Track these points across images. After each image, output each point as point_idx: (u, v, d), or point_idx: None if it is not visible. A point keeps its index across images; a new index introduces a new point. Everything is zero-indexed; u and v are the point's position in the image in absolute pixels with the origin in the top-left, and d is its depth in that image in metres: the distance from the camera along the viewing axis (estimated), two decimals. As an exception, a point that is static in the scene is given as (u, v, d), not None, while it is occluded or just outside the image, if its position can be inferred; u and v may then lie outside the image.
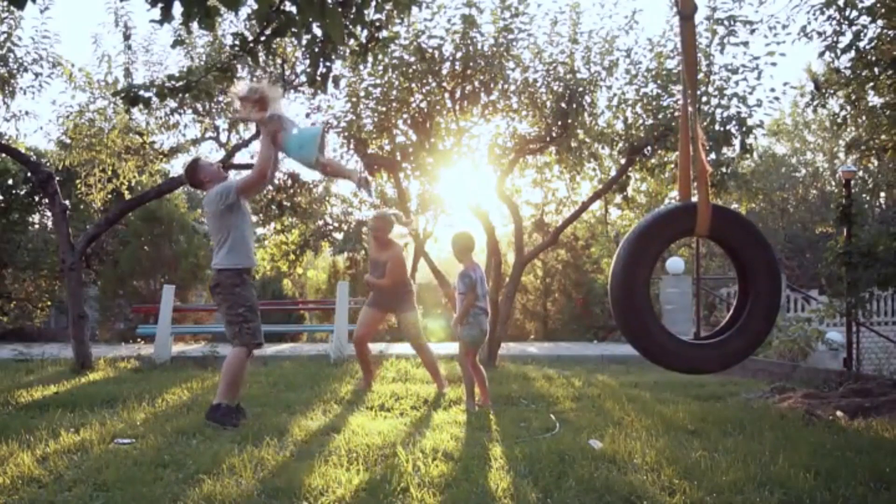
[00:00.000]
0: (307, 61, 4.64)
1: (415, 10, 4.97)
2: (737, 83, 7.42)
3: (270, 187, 9.60)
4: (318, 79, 3.72)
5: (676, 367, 2.97)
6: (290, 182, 10.75)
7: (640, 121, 8.09)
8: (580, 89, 7.98)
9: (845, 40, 6.25)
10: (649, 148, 8.08)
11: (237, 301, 4.55)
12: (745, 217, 3.14)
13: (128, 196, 9.92)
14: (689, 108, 2.85)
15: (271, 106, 4.50)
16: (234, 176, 6.30)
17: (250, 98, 4.55)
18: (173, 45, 7.67)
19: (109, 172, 9.45)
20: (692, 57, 2.88)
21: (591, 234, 17.18)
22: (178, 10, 2.73)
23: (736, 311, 2.95)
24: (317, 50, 3.59)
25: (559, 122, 8.20)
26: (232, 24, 8.70)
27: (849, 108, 7.19)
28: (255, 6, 2.92)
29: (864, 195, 18.99)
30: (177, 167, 10.99)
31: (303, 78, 8.73)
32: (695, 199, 2.87)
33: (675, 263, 13.80)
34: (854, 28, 6.20)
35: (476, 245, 5.58)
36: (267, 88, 4.62)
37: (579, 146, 8.61)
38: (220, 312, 4.76)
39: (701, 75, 7.32)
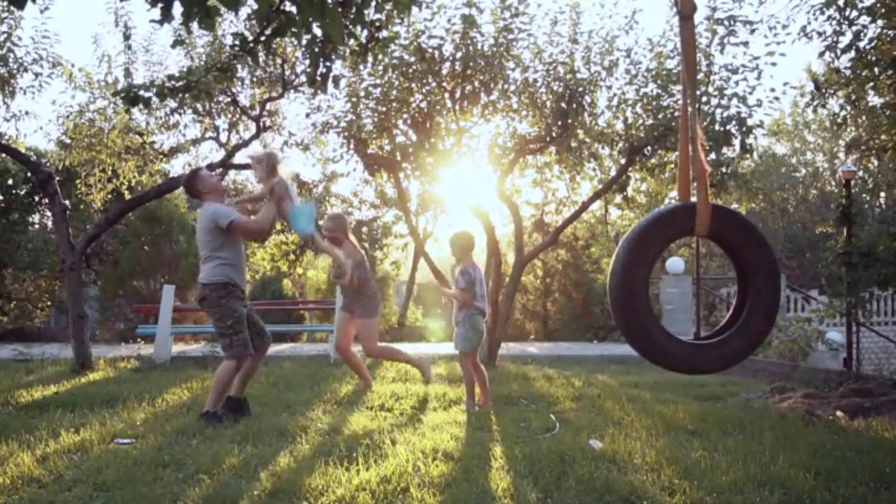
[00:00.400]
0: (307, 61, 4.66)
1: (415, 10, 4.97)
2: (737, 83, 7.43)
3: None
4: (318, 79, 3.72)
5: (676, 368, 2.97)
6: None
7: (640, 121, 8.08)
8: (580, 89, 7.98)
9: (845, 40, 6.25)
10: (649, 148, 8.07)
11: (224, 313, 4.54)
12: (745, 217, 3.15)
13: (128, 196, 9.92)
14: (689, 108, 2.85)
15: (279, 173, 4.80)
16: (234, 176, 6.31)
17: (263, 161, 4.84)
18: (173, 45, 7.68)
19: (109, 172, 9.46)
20: (692, 57, 2.89)
21: (591, 234, 17.18)
22: (178, 10, 2.73)
23: (736, 311, 2.95)
24: (317, 50, 3.58)
25: (559, 122, 8.19)
26: (232, 24, 8.71)
27: (849, 108, 7.18)
28: (255, 6, 2.93)
29: (864, 195, 19.00)
30: (177, 167, 11.03)
31: (303, 78, 8.73)
32: (694, 199, 2.87)
33: (675, 263, 13.80)
34: (854, 28, 6.20)
35: (476, 245, 5.57)
36: (278, 157, 4.95)
37: (579, 146, 8.60)
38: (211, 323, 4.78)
39: (701, 75, 7.32)
